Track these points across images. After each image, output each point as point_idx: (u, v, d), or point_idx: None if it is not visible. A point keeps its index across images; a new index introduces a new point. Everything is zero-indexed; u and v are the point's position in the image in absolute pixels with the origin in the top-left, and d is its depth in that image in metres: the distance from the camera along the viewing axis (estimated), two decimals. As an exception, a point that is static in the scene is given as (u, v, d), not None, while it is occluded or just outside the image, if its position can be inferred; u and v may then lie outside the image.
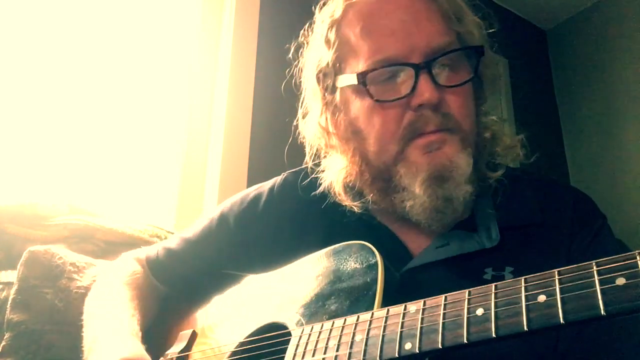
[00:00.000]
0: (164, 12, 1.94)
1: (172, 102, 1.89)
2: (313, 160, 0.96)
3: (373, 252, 0.75)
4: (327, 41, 0.88)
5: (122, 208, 1.63)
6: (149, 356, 0.82)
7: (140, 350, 0.82)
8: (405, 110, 0.80)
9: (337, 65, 0.87)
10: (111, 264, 1.11)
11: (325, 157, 0.95)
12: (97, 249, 1.31)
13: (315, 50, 0.91)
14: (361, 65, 0.82)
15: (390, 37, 0.80)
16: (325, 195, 0.91)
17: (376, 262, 0.73)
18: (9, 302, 1.08)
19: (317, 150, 0.95)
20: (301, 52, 0.96)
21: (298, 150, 0.99)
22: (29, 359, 1.03)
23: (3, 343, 1.04)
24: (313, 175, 0.94)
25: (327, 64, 0.87)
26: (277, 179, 1.02)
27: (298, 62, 0.96)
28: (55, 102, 1.62)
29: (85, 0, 1.74)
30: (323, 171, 0.93)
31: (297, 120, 0.97)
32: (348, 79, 0.85)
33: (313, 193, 0.92)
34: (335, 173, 0.90)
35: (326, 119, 0.90)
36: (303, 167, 0.99)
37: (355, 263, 0.76)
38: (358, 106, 0.84)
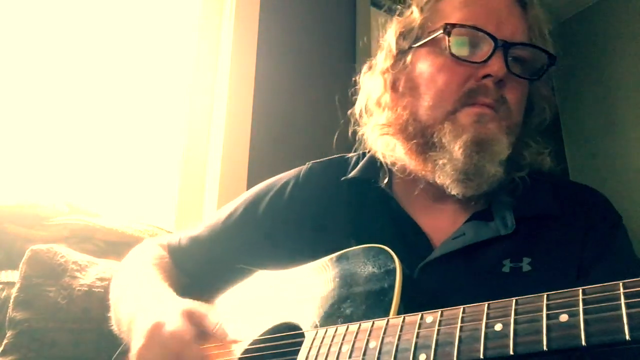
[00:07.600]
0: (163, 12, 1.94)
1: (172, 102, 1.89)
2: (339, 153, 1.01)
3: (392, 257, 0.74)
4: (421, 9, 0.93)
5: (122, 208, 1.63)
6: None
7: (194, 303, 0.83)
8: (471, 76, 0.84)
9: (422, 28, 0.92)
10: (136, 247, 1.10)
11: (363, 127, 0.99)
12: (97, 249, 1.31)
13: (405, 17, 0.97)
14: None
15: (483, 14, 0.87)
16: (349, 183, 0.95)
17: (394, 268, 0.72)
18: (12, 301, 1.07)
19: (360, 111, 0.99)
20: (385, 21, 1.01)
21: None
22: (32, 356, 1.02)
23: (5, 341, 1.04)
24: (339, 158, 0.99)
25: (412, 27, 0.93)
26: (302, 168, 1.04)
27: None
28: (55, 101, 1.62)
29: (85, 1, 1.74)
30: (348, 157, 0.99)
31: (359, 76, 1.01)
32: (431, 34, 0.89)
33: (343, 178, 0.96)
34: (374, 128, 0.94)
35: (390, 75, 0.94)
36: (327, 158, 1.02)
37: (373, 267, 0.75)
38: (428, 64, 0.89)
